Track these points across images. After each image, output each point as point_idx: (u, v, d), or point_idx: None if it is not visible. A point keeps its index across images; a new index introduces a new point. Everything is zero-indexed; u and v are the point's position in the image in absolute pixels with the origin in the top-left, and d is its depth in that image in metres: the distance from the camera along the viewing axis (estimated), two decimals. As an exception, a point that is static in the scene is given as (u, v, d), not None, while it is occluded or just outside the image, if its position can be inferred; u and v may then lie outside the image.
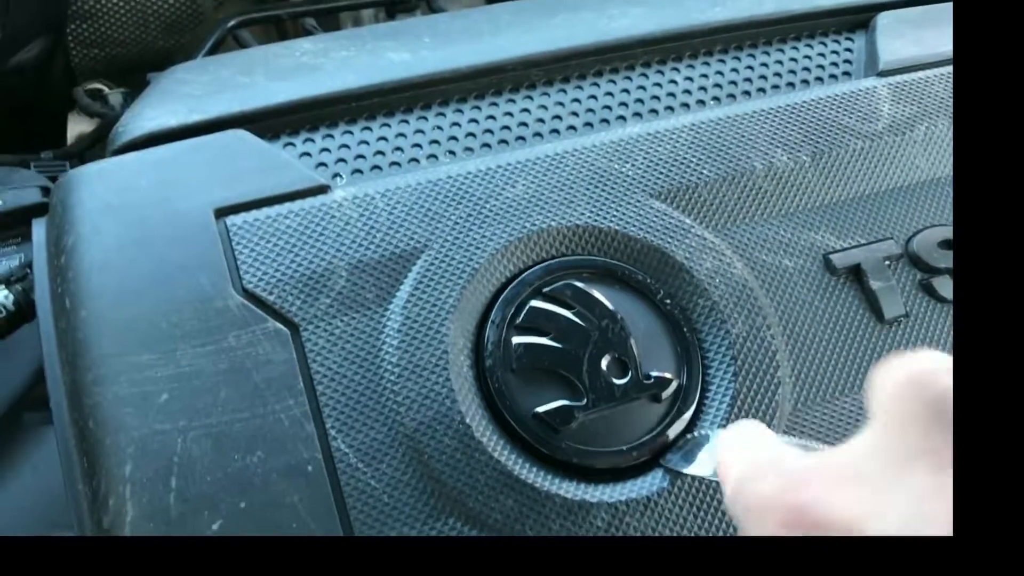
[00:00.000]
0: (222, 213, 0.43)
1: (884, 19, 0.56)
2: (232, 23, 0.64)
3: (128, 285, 0.40)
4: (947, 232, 0.48)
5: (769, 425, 0.42)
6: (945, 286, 0.47)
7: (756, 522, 0.27)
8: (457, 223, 0.44)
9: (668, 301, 0.44)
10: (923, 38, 0.55)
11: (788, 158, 0.49)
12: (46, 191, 0.52)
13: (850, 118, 0.50)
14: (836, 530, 0.24)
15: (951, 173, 0.50)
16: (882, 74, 0.53)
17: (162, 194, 0.43)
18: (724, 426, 0.42)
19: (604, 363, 0.42)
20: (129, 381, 0.39)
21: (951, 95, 0.53)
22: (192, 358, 0.39)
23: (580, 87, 0.51)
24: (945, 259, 0.48)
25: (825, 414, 0.43)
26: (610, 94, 0.51)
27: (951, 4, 0.57)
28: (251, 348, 0.40)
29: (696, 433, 0.41)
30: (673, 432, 0.41)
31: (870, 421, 0.26)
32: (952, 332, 0.47)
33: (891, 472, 0.24)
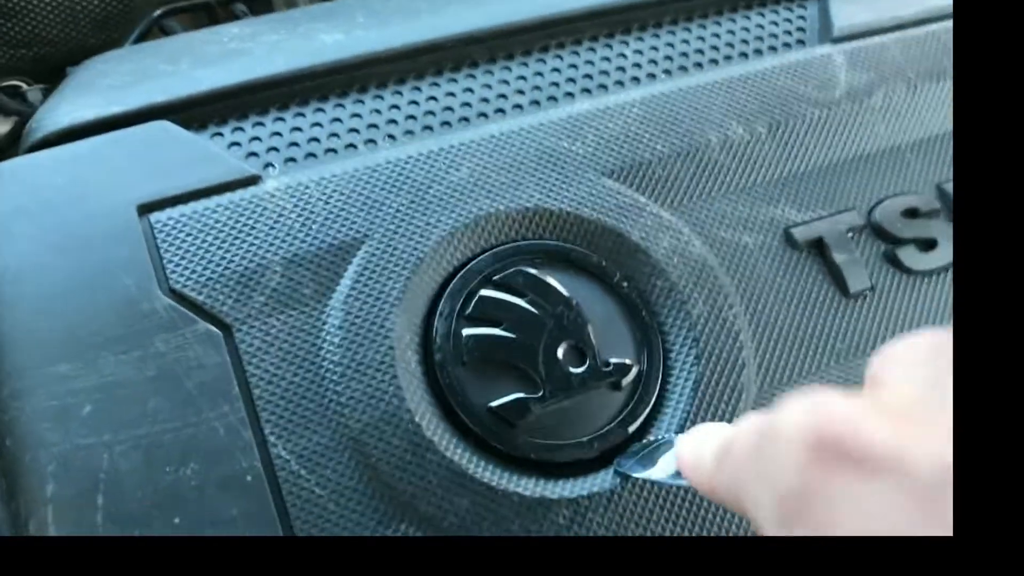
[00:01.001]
0: (145, 210, 0.40)
1: (837, -16, 0.54)
2: (158, 12, 0.61)
3: (45, 292, 0.37)
4: (909, 201, 0.47)
5: (734, 410, 0.40)
6: (910, 256, 0.46)
7: (774, 463, 0.23)
8: (399, 211, 0.41)
9: (625, 284, 0.42)
10: (876, 3, 0.53)
11: (744, 130, 0.47)
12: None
13: (806, 87, 0.49)
14: (875, 461, 0.21)
15: (911, 140, 0.49)
16: (836, 40, 0.51)
17: (80, 192, 0.40)
18: (686, 415, 0.40)
19: (560, 352, 0.39)
20: (48, 394, 0.36)
21: (907, 60, 0.51)
22: (117, 366, 0.36)
23: (525, 64, 0.48)
24: (909, 228, 0.46)
25: (792, 395, 0.42)
26: (557, 70, 0.48)
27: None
28: (181, 352, 0.37)
29: (650, 438, 0.39)
30: (635, 420, 0.39)
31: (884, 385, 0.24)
32: (928, 302, 0.45)
33: (929, 412, 0.22)
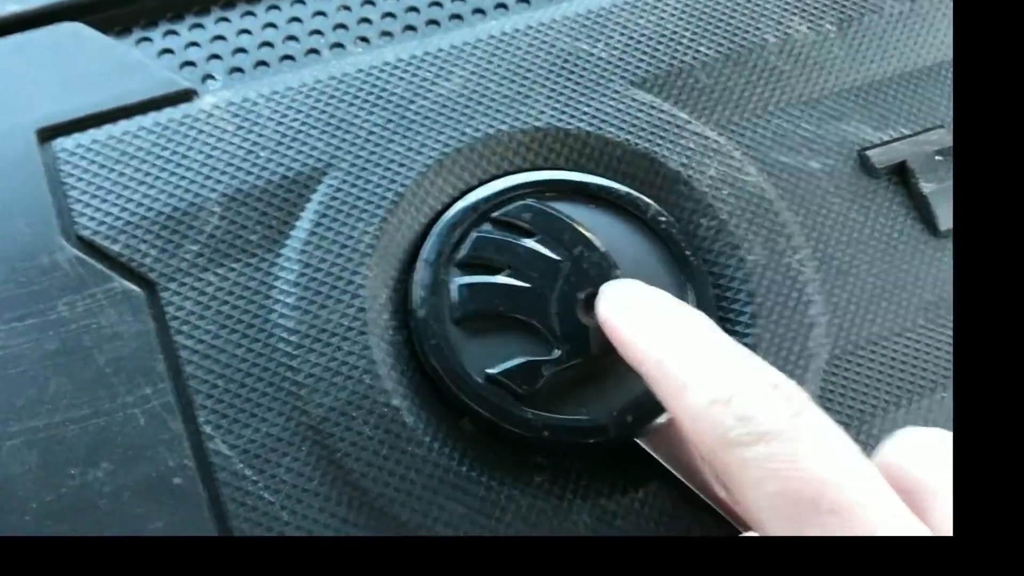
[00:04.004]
0: (48, 134, 0.31)
1: None
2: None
3: (-86, 240, 0.29)
4: (1013, 115, 0.38)
5: (801, 381, 0.32)
6: (1015, 185, 0.36)
7: None
8: (372, 132, 0.32)
9: (662, 220, 0.33)
10: None
11: (808, 28, 0.37)
12: None
13: (884, -28, 0.39)
14: None
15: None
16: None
17: (-37, 113, 0.31)
18: None
19: (580, 301, 0.31)
20: (-82, 374, 0.28)
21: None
22: (7, 337, 0.28)
23: (532, -54, 0.39)
24: (1013, 150, 0.37)
25: (871, 364, 0.33)
26: (572, -46, 0.39)
27: None
28: (91, 319, 0.29)
29: None
30: None
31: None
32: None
33: None
